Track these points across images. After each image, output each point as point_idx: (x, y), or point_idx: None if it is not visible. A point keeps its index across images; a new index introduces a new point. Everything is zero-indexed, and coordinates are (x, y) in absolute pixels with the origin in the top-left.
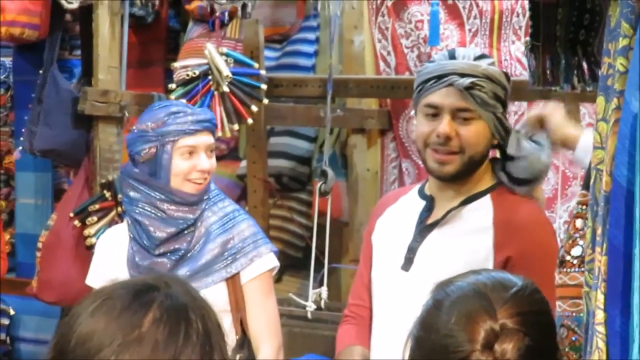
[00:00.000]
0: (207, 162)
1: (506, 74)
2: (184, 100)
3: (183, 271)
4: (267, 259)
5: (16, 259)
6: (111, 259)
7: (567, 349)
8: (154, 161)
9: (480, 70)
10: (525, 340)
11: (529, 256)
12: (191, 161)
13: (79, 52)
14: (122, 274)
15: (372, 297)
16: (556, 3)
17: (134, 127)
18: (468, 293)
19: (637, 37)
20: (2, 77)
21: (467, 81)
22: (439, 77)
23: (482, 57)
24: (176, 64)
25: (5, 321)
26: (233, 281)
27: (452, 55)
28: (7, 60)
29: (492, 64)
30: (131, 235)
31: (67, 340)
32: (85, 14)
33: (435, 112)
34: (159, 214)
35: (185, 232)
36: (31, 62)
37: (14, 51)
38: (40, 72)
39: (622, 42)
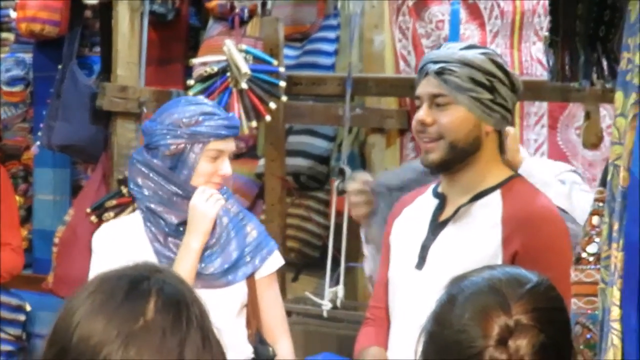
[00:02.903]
0: (229, 168)
1: (495, 61)
2: (202, 97)
3: (217, 264)
4: (277, 256)
5: (33, 255)
6: (124, 252)
7: (582, 347)
8: (178, 157)
9: (456, 56)
10: (540, 336)
11: (535, 251)
12: (215, 165)
13: (98, 49)
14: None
15: (388, 297)
16: None
17: (157, 118)
18: (482, 288)
19: None
20: (21, 74)
21: (436, 66)
22: (421, 69)
23: (471, 47)
24: (195, 60)
25: (22, 317)
26: (251, 277)
27: (438, 47)
28: (27, 57)
29: (484, 54)
30: (148, 225)
31: (68, 338)
32: (105, 11)
33: (420, 104)
34: (171, 204)
35: None
36: (51, 58)
37: (33, 47)
38: (60, 67)
39: None
